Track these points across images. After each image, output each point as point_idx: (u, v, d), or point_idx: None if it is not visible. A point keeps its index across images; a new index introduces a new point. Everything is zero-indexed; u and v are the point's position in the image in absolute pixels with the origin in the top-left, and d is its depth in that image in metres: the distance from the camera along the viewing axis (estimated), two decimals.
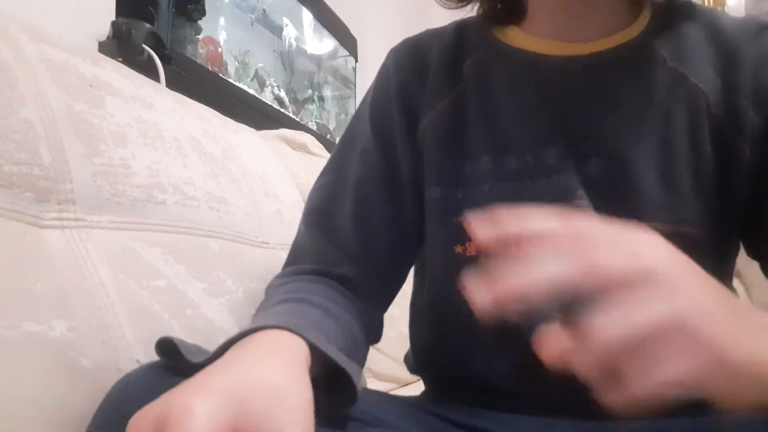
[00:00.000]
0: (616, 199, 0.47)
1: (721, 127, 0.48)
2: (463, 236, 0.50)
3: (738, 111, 0.48)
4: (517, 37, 0.54)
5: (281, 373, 0.31)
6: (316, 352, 0.37)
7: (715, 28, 0.51)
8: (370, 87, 0.60)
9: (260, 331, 0.37)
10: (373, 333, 0.55)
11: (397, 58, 0.58)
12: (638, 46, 0.51)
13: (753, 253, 0.52)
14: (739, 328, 0.27)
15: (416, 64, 0.56)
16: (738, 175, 0.48)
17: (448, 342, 0.54)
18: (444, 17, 0.61)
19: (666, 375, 0.25)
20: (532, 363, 0.29)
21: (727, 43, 0.50)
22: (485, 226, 0.28)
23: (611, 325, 0.26)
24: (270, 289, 0.53)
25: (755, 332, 0.28)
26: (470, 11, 0.58)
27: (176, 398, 0.27)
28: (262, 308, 0.48)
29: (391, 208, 0.55)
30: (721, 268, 0.52)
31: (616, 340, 0.25)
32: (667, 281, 0.27)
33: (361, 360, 0.51)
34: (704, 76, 0.49)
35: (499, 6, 0.55)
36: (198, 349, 0.38)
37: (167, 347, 0.38)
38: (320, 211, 0.57)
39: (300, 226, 0.58)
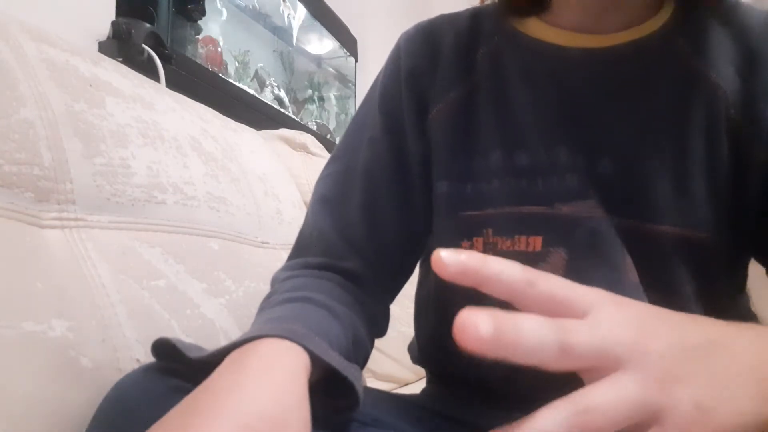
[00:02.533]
0: (626, 201, 0.46)
1: (738, 130, 0.47)
2: (470, 231, 0.50)
3: (756, 113, 0.47)
4: (533, 27, 0.52)
5: (281, 399, 0.31)
6: (317, 360, 0.37)
7: (740, 23, 0.49)
8: (380, 72, 0.58)
9: (260, 339, 0.36)
10: (379, 327, 0.55)
11: (409, 42, 0.56)
12: (659, 40, 0.49)
13: (761, 259, 0.51)
14: (719, 383, 0.25)
15: (428, 50, 0.54)
16: (752, 180, 0.47)
17: (451, 336, 0.54)
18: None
19: None
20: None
21: (750, 41, 0.48)
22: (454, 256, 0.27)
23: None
24: (275, 283, 0.52)
25: (734, 382, 0.26)
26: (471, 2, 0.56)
27: None
28: (265, 306, 0.48)
29: (400, 200, 0.54)
30: (732, 274, 0.51)
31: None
32: (630, 355, 0.26)
33: (363, 361, 0.51)
34: (725, 74, 0.47)
35: None
36: (195, 347, 0.38)
37: (163, 348, 0.38)
38: (328, 201, 0.55)
39: (307, 214, 0.57)
